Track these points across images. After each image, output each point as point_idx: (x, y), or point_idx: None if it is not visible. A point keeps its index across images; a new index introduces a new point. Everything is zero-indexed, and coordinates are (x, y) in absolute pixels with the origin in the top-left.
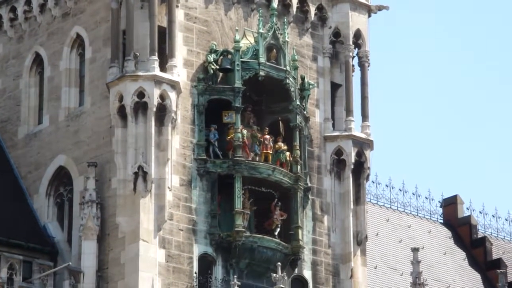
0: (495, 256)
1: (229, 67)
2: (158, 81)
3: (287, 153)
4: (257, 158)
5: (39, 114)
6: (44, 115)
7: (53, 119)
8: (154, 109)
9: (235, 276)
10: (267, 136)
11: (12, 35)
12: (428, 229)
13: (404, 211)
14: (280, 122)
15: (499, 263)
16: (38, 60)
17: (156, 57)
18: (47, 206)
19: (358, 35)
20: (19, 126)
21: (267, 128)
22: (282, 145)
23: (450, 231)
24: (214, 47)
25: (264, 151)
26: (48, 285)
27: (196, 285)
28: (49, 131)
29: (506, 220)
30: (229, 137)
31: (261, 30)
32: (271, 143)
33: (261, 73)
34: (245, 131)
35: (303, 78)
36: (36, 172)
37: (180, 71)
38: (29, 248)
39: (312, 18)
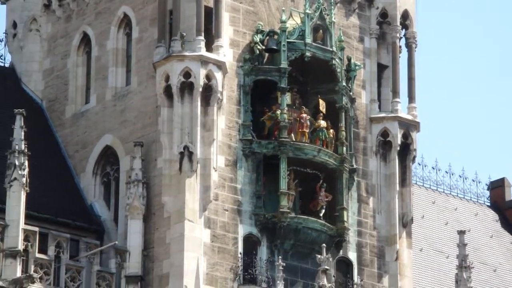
0: None
1: (275, 47)
2: (204, 61)
3: (331, 131)
4: (301, 139)
5: (86, 94)
6: (91, 95)
7: (100, 99)
8: (200, 89)
9: (279, 257)
10: (304, 115)
11: (60, 14)
12: (475, 211)
13: (450, 193)
14: (320, 99)
15: None
16: (85, 40)
17: (202, 37)
18: (93, 185)
19: (405, 16)
20: (67, 105)
21: (303, 107)
22: (322, 123)
23: (497, 214)
24: (261, 27)
25: (300, 130)
26: (94, 263)
27: (241, 265)
28: (96, 111)
29: None
30: (262, 119)
31: (307, 11)
32: (308, 122)
33: (307, 53)
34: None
35: (349, 59)
36: (83, 151)
37: (226, 51)
38: (76, 227)
39: None
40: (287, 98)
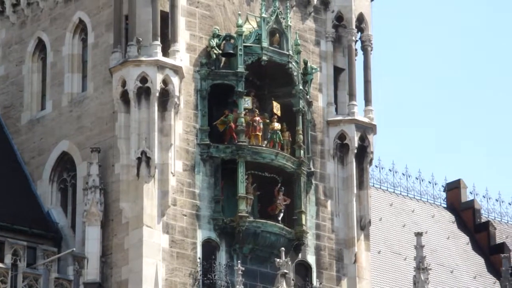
0: (498, 240)
1: (231, 52)
2: (160, 66)
3: (286, 133)
4: (251, 141)
5: (42, 100)
6: (47, 101)
7: (56, 105)
8: (157, 94)
9: (239, 261)
10: (257, 118)
11: (15, 20)
12: (432, 213)
13: (407, 195)
14: (274, 102)
15: (502, 248)
16: (40, 46)
17: (158, 42)
18: (50, 192)
19: (361, 19)
20: (22, 112)
21: (256, 110)
22: (276, 126)
23: (454, 216)
24: (217, 31)
25: (253, 133)
26: (52, 270)
27: (200, 271)
28: (52, 117)
29: (510, 204)
30: (215, 123)
31: (263, 15)
32: (260, 125)
33: (264, 57)
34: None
35: (306, 63)
36: (39, 158)
37: (183, 56)
38: (33, 234)
39: (315, 2)
40: (248, 102)
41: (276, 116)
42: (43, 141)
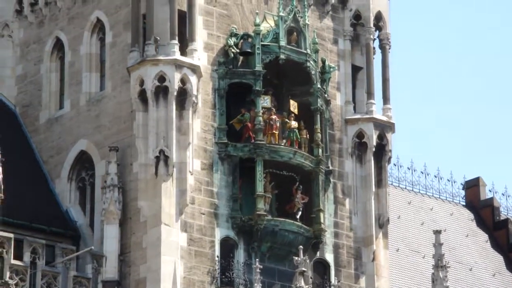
0: None
1: (249, 50)
2: (178, 65)
3: (304, 132)
4: (271, 140)
5: (60, 99)
6: (65, 100)
7: (74, 104)
8: (175, 93)
9: (257, 259)
10: (273, 117)
11: (33, 20)
12: (450, 211)
13: (426, 193)
14: (291, 100)
15: None
16: (58, 45)
17: (176, 41)
18: (69, 191)
19: (379, 17)
20: (41, 111)
21: (273, 108)
22: (293, 124)
23: (473, 213)
24: (235, 30)
25: (270, 131)
26: (71, 268)
27: (218, 269)
28: (70, 116)
29: None
30: (231, 122)
31: (281, 13)
32: (277, 123)
33: (282, 56)
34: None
35: (323, 61)
36: (57, 157)
37: (201, 55)
38: (52, 232)
39: (333, 1)
40: (267, 101)
41: (293, 115)
42: (62, 140)
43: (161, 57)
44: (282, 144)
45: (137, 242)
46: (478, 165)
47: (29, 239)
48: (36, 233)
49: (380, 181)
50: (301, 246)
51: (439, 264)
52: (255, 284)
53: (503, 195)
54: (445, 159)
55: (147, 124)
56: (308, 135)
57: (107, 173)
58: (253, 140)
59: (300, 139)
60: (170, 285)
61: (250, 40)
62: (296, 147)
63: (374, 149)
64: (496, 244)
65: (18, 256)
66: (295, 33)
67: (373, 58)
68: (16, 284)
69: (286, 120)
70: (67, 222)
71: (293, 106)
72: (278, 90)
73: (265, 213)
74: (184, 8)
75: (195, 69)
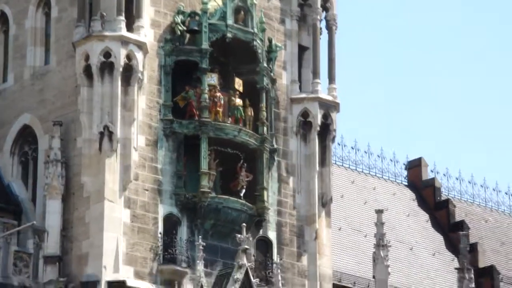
0: (458, 218)
1: (196, 28)
2: (124, 41)
3: (249, 109)
4: (216, 118)
5: (4, 73)
6: (9, 73)
7: (18, 78)
8: (121, 69)
9: (200, 236)
10: (218, 94)
11: None
12: (393, 191)
13: (369, 173)
14: (236, 78)
15: (462, 225)
16: (3, 19)
17: (123, 17)
18: (11, 165)
19: None
20: None
21: (217, 86)
22: (237, 101)
23: (414, 193)
24: (182, 8)
25: (214, 109)
26: (11, 243)
27: (161, 245)
28: (14, 90)
29: (469, 182)
30: (175, 99)
31: None
32: (221, 101)
33: (229, 35)
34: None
35: (270, 41)
36: (0, 130)
37: (147, 32)
38: None
39: None
40: (214, 79)
41: (238, 92)
42: (5, 113)
43: (107, 33)
44: (227, 122)
45: (80, 217)
46: (420, 145)
47: None
48: None
49: (324, 160)
50: (244, 224)
51: (381, 243)
52: (198, 261)
53: (445, 175)
54: (388, 139)
55: (91, 99)
56: (253, 113)
57: (51, 147)
58: (196, 118)
59: (244, 116)
60: (112, 261)
61: (197, 18)
62: (241, 125)
63: (318, 128)
64: (437, 224)
65: None
66: (242, 12)
67: (320, 39)
68: None
69: (232, 98)
70: (9, 196)
71: (238, 84)
72: (224, 68)
73: (209, 190)
74: None
75: (141, 46)
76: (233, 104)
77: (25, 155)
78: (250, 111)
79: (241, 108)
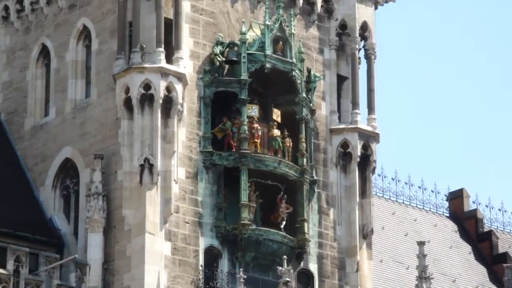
0: (501, 250)
1: (235, 59)
2: (164, 73)
3: (287, 140)
4: (253, 149)
5: (46, 106)
6: (51, 107)
7: (60, 111)
8: (160, 101)
9: (241, 269)
10: (255, 125)
11: (19, 26)
12: (434, 222)
13: (410, 204)
14: (274, 108)
15: (505, 257)
16: (44, 52)
17: (162, 49)
18: (53, 198)
19: (364, 27)
20: (26, 118)
21: (255, 117)
22: (275, 132)
23: (456, 225)
24: (221, 39)
25: (251, 140)
26: (54, 277)
27: (202, 278)
28: (55, 123)
29: None
30: (212, 131)
31: (267, 22)
32: (259, 132)
33: (267, 65)
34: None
35: (309, 71)
36: (42, 164)
37: (186, 63)
38: (36, 240)
39: (319, 10)
40: (255, 111)
41: (276, 123)
42: (46, 147)
43: (147, 65)
44: (266, 153)
45: (121, 250)
46: (462, 176)
47: (13, 247)
48: (20, 241)
49: (364, 192)
50: (285, 256)
51: (423, 276)
52: None
53: (487, 206)
54: (429, 170)
55: (132, 132)
56: (291, 144)
57: (92, 181)
58: (233, 149)
59: (283, 147)
60: None
61: (236, 48)
62: (279, 156)
63: (358, 159)
64: (480, 256)
65: (2, 264)
66: (281, 42)
67: (359, 68)
68: None
69: (270, 129)
70: (51, 230)
71: (276, 114)
72: (263, 99)
73: (249, 222)
74: (171, 16)
75: (180, 77)
76: (271, 135)
77: (66, 188)
78: (289, 142)
79: (279, 139)
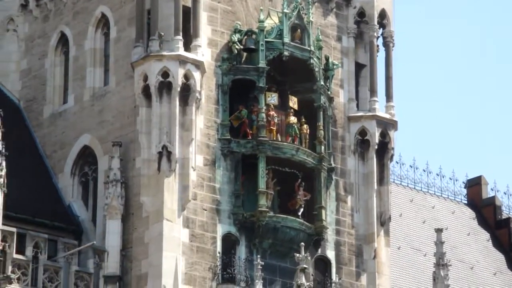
0: None
1: (253, 47)
2: (182, 61)
3: (304, 127)
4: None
5: (64, 94)
6: (69, 95)
7: (78, 99)
8: (179, 88)
9: (258, 256)
10: (271, 113)
11: (38, 14)
12: (452, 209)
13: (428, 191)
14: (290, 95)
15: None
16: (63, 40)
17: (180, 37)
18: (71, 185)
19: (383, 15)
20: (45, 106)
21: (271, 105)
22: (292, 119)
23: (474, 212)
24: (239, 27)
25: (268, 127)
26: (72, 263)
27: (219, 265)
28: (74, 111)
29: None
30: (229, 119)
31: (285, 10)
32: (275, 119)
33: (285, 53)
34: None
35: (327, 58)
36: (61, 151)
37: (205, 51)
38: (54, 227)
39: None
40: (274, 99)
41: (292, 110)
42: (65, 134)
43: (165, 53)
44: (280, 140)
45: (139, 237)
46: (480, 163)
47: (32, 234)
48: (38, 227)
49: (382, 179)
50: (302, 243)
51: (440, 263)
52: (256, 281)
53: (505, 194)
54: (447, 157)
55: (150, 119)
56: (309, 131)
57: (110, 168)
58: (250, 137)
59: (300, 134)
60: (172, 280)
61: (254, 36)
62: (296, 143)
63: (376, 147)
64: (498, 243)
65: (20, 250)
66: (299, 30)
67: (377, 56)
68: (18, 279)
69: (287, 116)
70: (69, 217)
71: (293, 101)
72: (281, 87)
73: (267, 209)
74: (189, 3)
75: (198, 65)
76: (288, 122)
77: (85, 175)
78: (306, 129)
79: (295, 126)
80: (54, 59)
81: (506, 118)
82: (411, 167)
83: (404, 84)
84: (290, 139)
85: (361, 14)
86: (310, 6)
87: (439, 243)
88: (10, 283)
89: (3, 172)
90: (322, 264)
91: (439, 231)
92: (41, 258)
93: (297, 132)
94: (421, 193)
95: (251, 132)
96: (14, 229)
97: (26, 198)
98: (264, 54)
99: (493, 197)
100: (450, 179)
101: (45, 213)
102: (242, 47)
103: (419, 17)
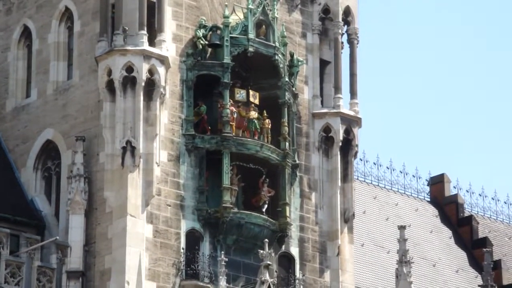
0: (481, 234)
1: (218, 42)
2: (147, 56)
3: (266, 121)
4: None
5: (27, 88)
6: (32, 89)
7: (41, 93)
8: (143, 83)
9: (222, 252)
10: (231, 108)
11: (1, 7)
12: (415, 207)
13: (391, 189)
14: (251, 90)
15: (485, 242)
16: (26, 33)
17: (145, 32)
18: (34, 180)
19: (347, 12)
20: (7, 99)
21: (230, 100)
22: (252, 114)
23: (437, 210)
24: (203, 22)
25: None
26: (35, 258)
27: (183, 261)
28: (37, 105)
29: (493, 199)
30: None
31: (250, 6)
32: (234, 115)
33: (250, 49)
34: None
35: (292, 55)
36: (23, 146)
37: (169, 46)
38: (16, 222)
39: None
40: (243, 95)
41: (253, 105)
42: (28, 128)
43: (129, 47)
44: (242, 135)
45: (103, 232)
46: (443, 161)
47: None
48: (0, 222)
49: (346, 176)
50: (266, 240)
51: (403, 260)
52: (220, 277)
53: (467, 191)
54: (410, 155)
55: (114, 114)
56: (271, 125)
57: (73, 163)
58: (208, 133)
59: (260, 129)
60: (135, 276)
61: (219, 32)
62: (256, 137)
63: (340, 144)
64: (460, 241)
65: None
66: (263, 26)
67: (341, 53)
68: None
69: (247, 111)
70: (32, 211)
71: (253, 96)
72: (245, 83)
73: (231, 205)
74: None
75: (163, 60)
76: (248, 117)
77: (48, 170)
78: (268, 123)
79: (255, 121)
80: (17, 52)
81: (469, 116)
82: (375, 164)
83: (368, 82)
84: (250, 134)
85: (326, 11)
86: (275, 2)
87: (402, 240)
88: None
89: None
90: (286, 261)
91: (402, 228)
92: (3, 253)
93: (257, 127)
94: (385, 191)
95: (209, 128)
96: None
97: None
98: (229, 50)
99: (456, 195)
100: (413, 176)
101: (7, 207)
102: (207, 42)
103: (383, 14)
